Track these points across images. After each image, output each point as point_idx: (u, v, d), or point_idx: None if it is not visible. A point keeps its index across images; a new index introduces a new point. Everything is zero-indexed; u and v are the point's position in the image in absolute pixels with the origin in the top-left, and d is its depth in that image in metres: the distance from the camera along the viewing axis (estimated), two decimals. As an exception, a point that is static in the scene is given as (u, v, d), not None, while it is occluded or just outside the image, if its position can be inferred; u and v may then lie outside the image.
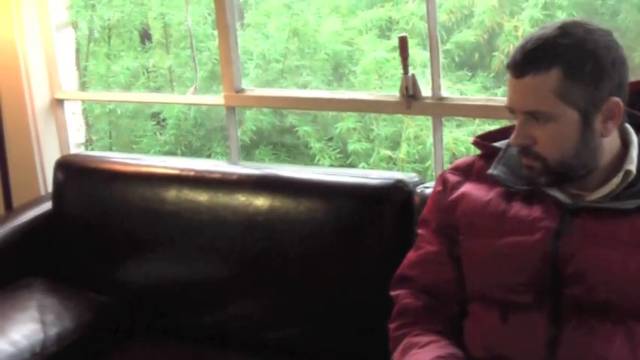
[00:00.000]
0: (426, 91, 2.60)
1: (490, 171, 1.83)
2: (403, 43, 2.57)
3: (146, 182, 2.62)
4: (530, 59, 1.67)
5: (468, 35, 4.20)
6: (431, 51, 2.58)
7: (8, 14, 3.02)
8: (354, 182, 2.39)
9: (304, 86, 4.32)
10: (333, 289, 2.33)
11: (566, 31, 1.67)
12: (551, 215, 1.73)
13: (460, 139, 3.95)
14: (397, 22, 4.26)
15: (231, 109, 2.94)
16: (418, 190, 2.29)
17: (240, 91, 2.88)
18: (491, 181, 1.83)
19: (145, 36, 4.89)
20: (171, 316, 2.55)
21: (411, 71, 2.58)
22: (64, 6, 3.24)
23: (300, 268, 2.36)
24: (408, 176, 2.37)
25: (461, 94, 3.76)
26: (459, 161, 1.96)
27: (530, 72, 1.66)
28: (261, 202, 2.42)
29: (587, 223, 1.70)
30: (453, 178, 1.91)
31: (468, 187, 1.87)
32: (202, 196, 2.51)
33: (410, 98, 2.59)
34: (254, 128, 4.32)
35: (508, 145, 1.83)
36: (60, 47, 3.17)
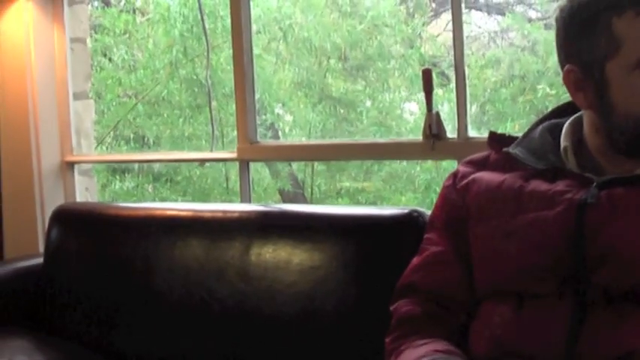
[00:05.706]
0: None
1: (508, 149, 1.59)
2: (427, 77, 2.37)
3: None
4: None
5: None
6: (457, 84, 2.36)
7: (22, 80, 2.98)
8: (365, 214, 2.14)
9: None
10: (344, 334, 2.02)
11: None
12: (576, 187, 1.47)
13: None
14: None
15: (244, 164, 2.72)
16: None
17: (254, 142, 2.68)
18: (507, 168, 1.59)
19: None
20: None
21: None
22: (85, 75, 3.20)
23: (303, 313, 2.07)
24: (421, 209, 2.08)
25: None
26: (472, 156, 1.70)
27: None
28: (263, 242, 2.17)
29: (617, 193, 1.44)
30: (464, 169, 1.66)
31: (480, 174, 1.62)
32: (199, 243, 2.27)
33: (433, 138, 2.36)
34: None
35: (529, 131, 1.62)
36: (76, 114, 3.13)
